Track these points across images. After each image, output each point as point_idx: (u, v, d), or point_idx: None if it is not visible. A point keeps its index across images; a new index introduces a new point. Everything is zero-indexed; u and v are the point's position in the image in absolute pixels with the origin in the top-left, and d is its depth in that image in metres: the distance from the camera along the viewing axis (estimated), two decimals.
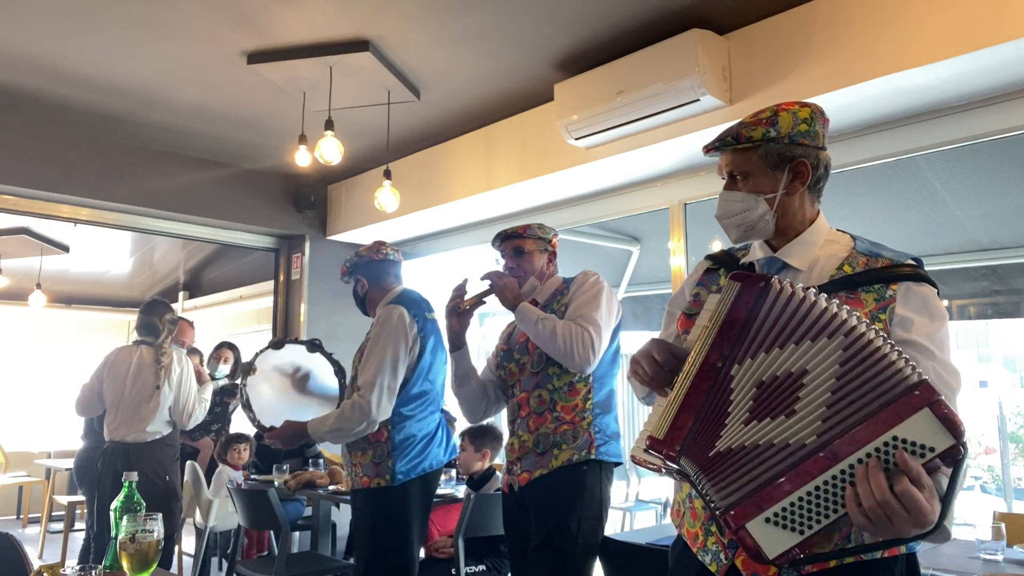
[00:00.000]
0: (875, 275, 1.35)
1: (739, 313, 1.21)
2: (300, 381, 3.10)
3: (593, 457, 2.27)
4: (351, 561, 3.90)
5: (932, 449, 1.04)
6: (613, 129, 3.43)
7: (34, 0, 3.07)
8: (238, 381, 3.10)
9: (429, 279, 6.03)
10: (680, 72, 3.09)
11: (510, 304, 2.34)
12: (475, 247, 5.34)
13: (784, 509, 1.08)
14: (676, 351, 1.32)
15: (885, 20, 2.77)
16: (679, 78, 3.09)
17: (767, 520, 1.08)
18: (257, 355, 3.06)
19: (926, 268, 1.38)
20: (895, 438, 1.05)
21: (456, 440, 3.86)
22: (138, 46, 3.46)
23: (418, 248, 5.66)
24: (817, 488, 1.08)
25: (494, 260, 2.60)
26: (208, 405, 4.05)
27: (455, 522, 3.20)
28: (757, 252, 1.52)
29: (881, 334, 1.13)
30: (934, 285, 1.36)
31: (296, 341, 3.14)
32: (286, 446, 2.86)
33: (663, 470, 1.28)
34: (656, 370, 1.31)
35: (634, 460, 1.31)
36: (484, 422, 3.85)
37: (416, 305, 2.83)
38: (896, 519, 1.03)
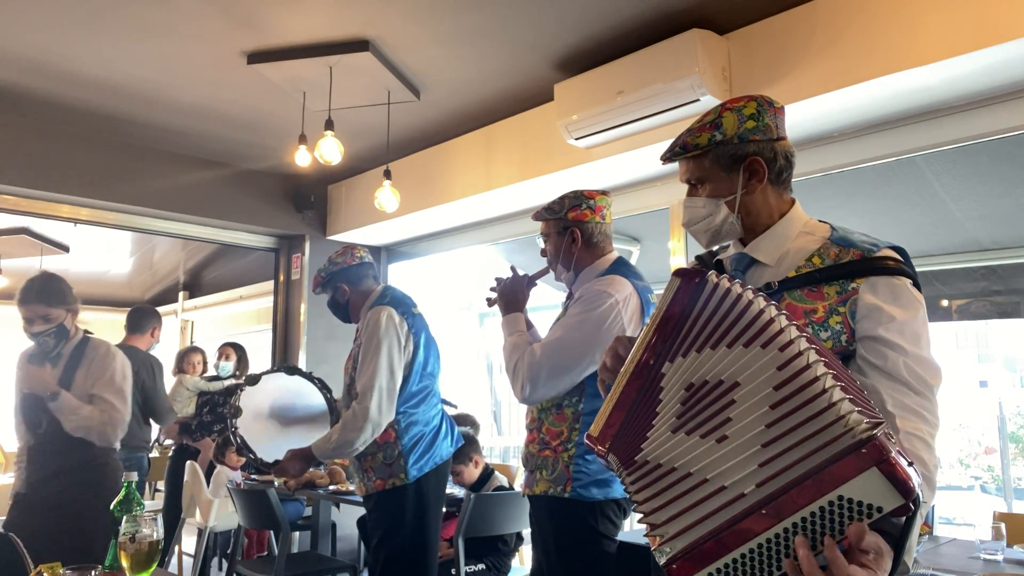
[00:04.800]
0: (838, 271, 1.30)
1: (675, 310, 1.18)
2: (286, 409, 3.02)
3: (568, 496, 2.06)
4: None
5: (880, 509, 0.98)
6: (613, 129, 3.43)
7: (35, 0, 3.07)
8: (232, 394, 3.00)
9: (429, 279, 6.03)
10: (680, 72, 3.09)
11: (501, 312, 2.24)
12: (475, 247, 5.34)
13: (726, 565, 1.03)
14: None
15: (885, 20, 2.77)
16: (679, 78, 3.09)
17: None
18: (238, 395, 2.94)
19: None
20: (840, 497, 0.98)
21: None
22: (138, 46, 3.46)
23: (418, 248, 5.66)
24: (760, 546, 1.01)
25: (537, 238, 2.39)
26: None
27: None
28: (731, 249, 1.51)
29: (821, 360, 1.04)
30: (908, 275, 1.29)
31: (271, 371, 3.06)
32: (297, 476, 2.81)
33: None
34: (616, 364, 1.28)
35: (607, 466, 1.32)
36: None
37: (402, 303, 2.82)
38: None
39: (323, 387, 3.07)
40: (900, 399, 1.22)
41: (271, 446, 2.87)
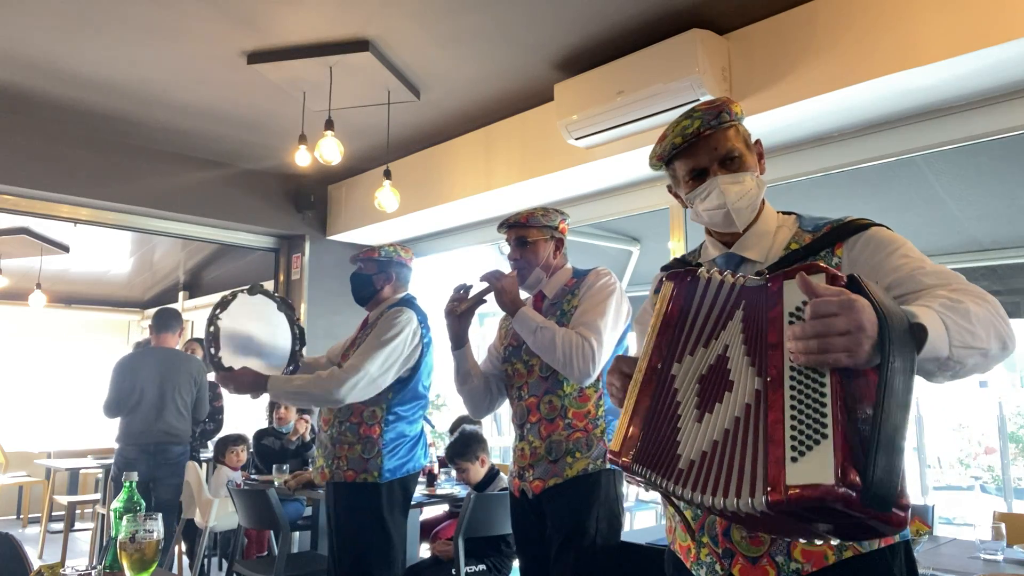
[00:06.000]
0: (818, 243, 1.32)
1: (674, 311, 1.20)
2: (261, 332, 2.95)
3: (608, 467, 2.21)
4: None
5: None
6: (613, 129, 3.43)
7: (35, 0, 3.07)
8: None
9: (429, 279, 6.03)
10: (680, 72, 3.09)
11: (508, 308, 2.28)
12: (475, 247, 5.34)
13: (793, 438, 0.97)
14: None
15: (885, 20, 2.77)
16: (679, 78, 3.09)
17: (793, 460, 0.95)
18: (235, 294, 2.91)
19: None
20: (790, 314, 1.04)
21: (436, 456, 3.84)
22: (138, 46, 3.46)
23: (418, 248, 5.65)
24: (793, 397, 0.99)
25: (497, 248, 2.56)
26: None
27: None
28: (711, 251, 1.48)
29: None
30: (879, 224, 1.32)
31: (267, 294, 2.98)
32: (236, 392, 2.72)
33: (643, 484, 1.22)
34: (625, 382, 1.26)
35: (629, 481, 1.30)
36: (458, 432, 3.86)
37: (422, 314, 2.87)
38: (838, 324, 0.95)
39: (299, 337, 3.00)
40: (934, 292, 1.17)
41: (232, 357, 2.81)
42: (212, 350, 2.76)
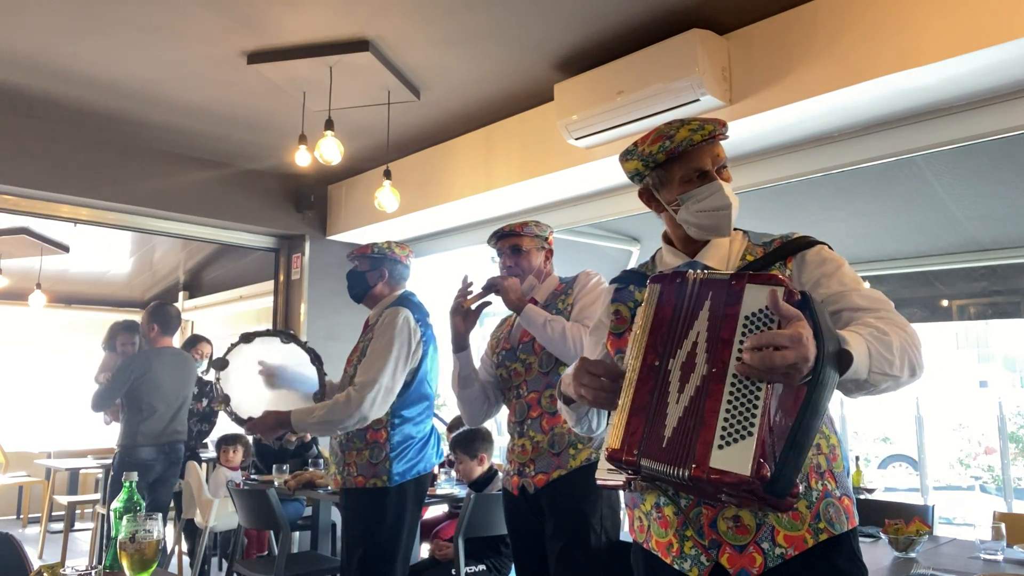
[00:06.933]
0: (772, 256, 1.46)
1: (666, 311, 1.28)
2: (272, 375, 2.98)
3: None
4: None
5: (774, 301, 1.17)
6: (613, 129, 3.43)
7: (35, 0, 3.07)
8: (212, 378, 2.99)
9: (429, 279, 6.03)
10: (680, 72, 3.09)
11: (515, 305, 2.34)
12: (475, 247, 5.34)
13: (723, 428, 1.14)
14: (609, 364, 1.36)
15: (885, 20, 2.77)
16: (679, 78, 3.09)
17: (720, 447, 1.13)
18: (229, 350, 2.95)
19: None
20: (746, 317, 1.18)
21: (445, 450, 3.85)
22: (138, 46, 3.46)
23: (418, 248, 5.65)
24: (731, 393, 1.15)
25: (490, 258, 2.63)
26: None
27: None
28: (670, 261, 1.55)
29: None
30: (821, 243, 1.48)
31: (267, 333, 3.03)
32: (267, 437, 2.76)
33: (629, 485, 1.34)
34: (599, 383, 1.33)
35: (601, 486, 1.37)
36: (469, 427, 3.86)
37: (419, 310, 2.87)
38: (787, 356, 1.09)
39: (316, 359, 3.03)
40: (866, 319, 1.33)
41: (251, 406, 2.83)
42: (226, 408, 2.83)
